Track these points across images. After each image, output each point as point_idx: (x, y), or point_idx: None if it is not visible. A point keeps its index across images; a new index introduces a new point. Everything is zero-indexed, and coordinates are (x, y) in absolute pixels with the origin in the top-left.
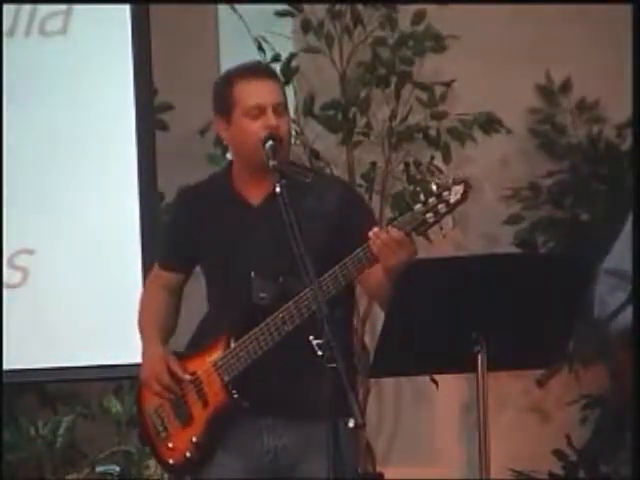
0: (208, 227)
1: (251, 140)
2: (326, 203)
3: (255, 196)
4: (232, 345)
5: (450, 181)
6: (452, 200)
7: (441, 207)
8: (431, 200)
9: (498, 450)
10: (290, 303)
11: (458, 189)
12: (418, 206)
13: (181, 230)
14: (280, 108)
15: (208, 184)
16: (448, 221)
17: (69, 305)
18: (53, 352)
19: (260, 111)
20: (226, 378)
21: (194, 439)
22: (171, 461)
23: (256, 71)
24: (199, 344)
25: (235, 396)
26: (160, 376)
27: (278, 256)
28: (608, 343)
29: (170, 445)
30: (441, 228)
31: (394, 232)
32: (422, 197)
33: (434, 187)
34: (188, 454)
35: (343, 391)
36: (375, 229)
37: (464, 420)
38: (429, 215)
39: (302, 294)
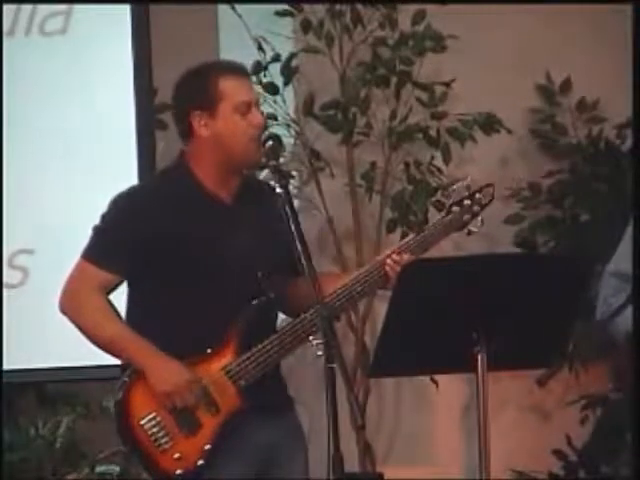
0: (179, 226)
1: (239, 137)
2: (277, 208)
3: (225, 195)
4: (239, 348)
5: (468, 183)
6: (484, 201)
7: (476, 208)
8: (466, 202)
9: (498, 450)
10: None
11: (488, 191)
12: (456, 208)
13: (141, 233)
14: (259, 105)
15: (167, 182)
16: (477, 221)
17: None
18: (53, 352)
19: (247, 107)
20: (242, 383)
21: (207, 447)
22: (179, 471)
23: (238, 68)
24: (191, 350)
25: (251, 400)
26: (184, 391)
27: (259, 255)
28: (610, 343)
29: (176, 456)
30: (469, 230)
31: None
32: (451, 200)
33: (460, 188)
34: (201, 462)
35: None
36: (394, 256)
37: (464, 420)
38: (467, 216)
39: (331, 294)
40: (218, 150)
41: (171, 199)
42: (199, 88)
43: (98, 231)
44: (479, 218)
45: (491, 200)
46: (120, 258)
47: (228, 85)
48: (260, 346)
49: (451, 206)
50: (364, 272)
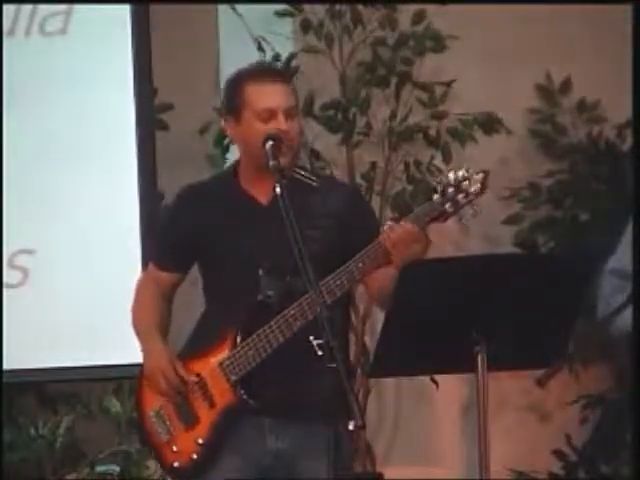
0: (213, 226)
1: (258, 141)
2: (332, 205)
3: (263, 195)
4: (238, 344)
5: (465, 172)
6: (472, 190)
7: (461, 197)
8: (450, 190)
9: (498, 450)
10: (302, 299)
11: (477, 179)
12: (436, 197)
13: (183, 229)
14: (291, 111)
15: (213, 183)
16: (467, 211)
17: (69, 305)
18: (53, 352)
19: (271, 114)
20: (233, 378)
21: (200, 441)
22: (176, 464)
23: (268, 73)
24: (199, 345)
25: (243, 396)
26: (167, 372)
27: (285, 255)
28: (610, 343)
29: (174, 448)
30: (460, 218)
31: (409, 226)
32: (439, 188)
33: (451, 177)
34: (194, 456)
35: (343, 392)
36: (389, 223)
37: (464, 420)
38: (448, 205)
39: (327, 278)
40: (244, 154)
41: (211, 199)
42: (229, 94)
43: (158, 232)
44: (472, 208)
45: (482, 189)
46: (168, 257)
47: (252, 91)
48: (249, 340)
49: (431, 195)
50: (364, 250)
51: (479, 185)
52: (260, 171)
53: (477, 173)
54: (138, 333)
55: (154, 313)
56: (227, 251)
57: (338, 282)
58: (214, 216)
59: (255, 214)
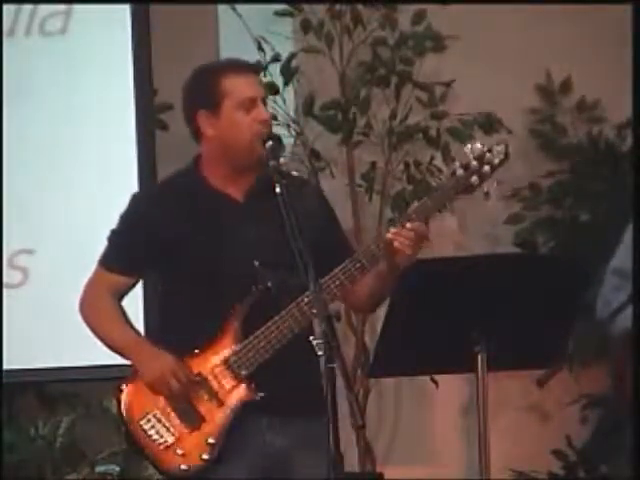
0: (188, 226)
1: (244, 134)
2: (305, 201)
3: (236, 192)
4: (238, 339)
5: (481, 146)
6: (496, 161)
7: (486, 169)
8: (474, 164)
9: (498, 450)
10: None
11: (500, 149)
12: (460, 172)
13: (147, 231)
14: (265, 101)
15: (176, 182)
16: (491, 184)
17: (69, 305)
18: (53, 352)
19: (252, 103)
20: (243, 372)
21: (210, 440)
22: (183, 467)
23: (242, 65)
24: (188, 344)
25: (255, 390)
26: (178, 373)
27: (274, 251)
28: (609, 343)
29: (179, 451)
30: (486, 193)
31: (417, 226)
32: (458, 164)
33: (468, 150)
34: (205, 456)
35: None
36: (392, 230)
37: (464, 420)
38: (474, 178)
39: (327, 278)
40: (224, 148)
41: (177, 199)
42: (203, 88)
43: (110, 235)
44: (494, 180)
45: (504, 159)
46: (127, 261)
47: (231, 83)
48: (258, 332)
49: (455, 170)
50: (363, 248)
51: (502, 155)
52: (237, 167)
53: (497, 144)
54: (120, 344)
55: (126, 321)
56: (209, 251)
57: (358, 265)
58: (185, 216)
59: (232, 212)
